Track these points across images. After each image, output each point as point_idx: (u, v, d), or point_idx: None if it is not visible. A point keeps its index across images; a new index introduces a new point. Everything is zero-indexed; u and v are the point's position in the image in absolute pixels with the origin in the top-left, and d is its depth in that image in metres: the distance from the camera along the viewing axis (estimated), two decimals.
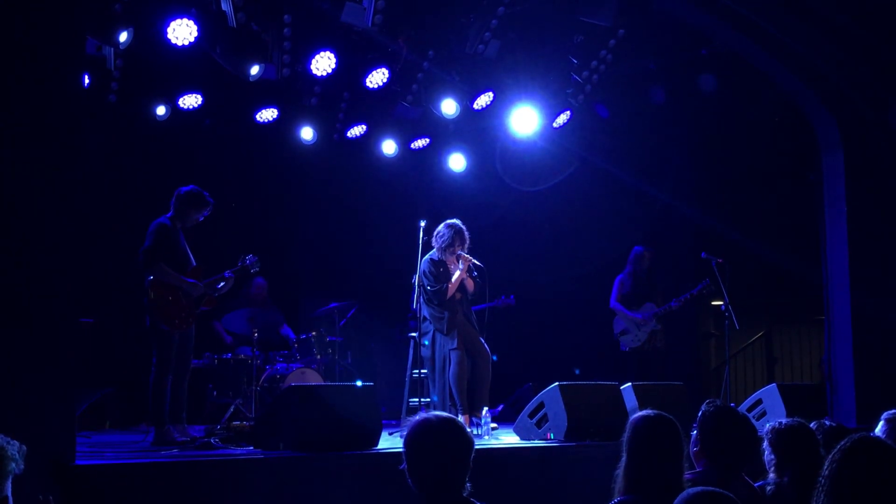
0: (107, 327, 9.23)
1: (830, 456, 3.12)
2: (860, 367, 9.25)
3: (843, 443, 3.14)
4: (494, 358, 8.76)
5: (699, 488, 3.03)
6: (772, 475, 4.47)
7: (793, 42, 9.19)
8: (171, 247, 7.49)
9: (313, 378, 9.70)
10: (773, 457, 4.49)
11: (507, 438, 7.96)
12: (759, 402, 8.87)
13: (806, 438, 4.47)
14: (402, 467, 3.45)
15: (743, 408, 9.00)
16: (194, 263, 7.72)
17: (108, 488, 5.48)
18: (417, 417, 3.51)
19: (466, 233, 8.67)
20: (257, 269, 8.27)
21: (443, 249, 8.61)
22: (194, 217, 7.79)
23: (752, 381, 13.30)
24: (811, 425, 4.82)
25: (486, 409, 8.09)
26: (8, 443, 3.37)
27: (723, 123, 11.78)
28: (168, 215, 7.65)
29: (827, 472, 3.08)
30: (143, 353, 10.09)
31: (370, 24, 8.41)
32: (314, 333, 10.44)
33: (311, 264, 11.80)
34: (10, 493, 3.36)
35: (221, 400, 9.91)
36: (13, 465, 3.34)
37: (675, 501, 2.96)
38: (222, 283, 7.88)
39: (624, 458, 3.92)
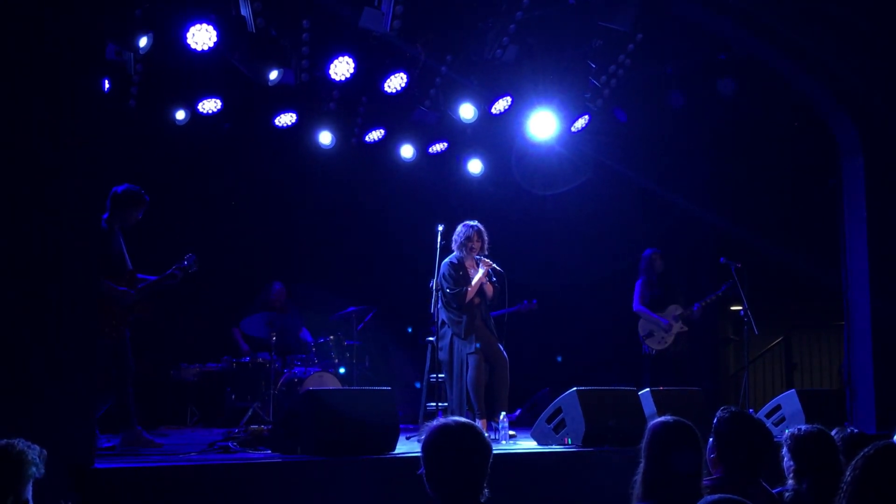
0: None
1: (853, 463, 3.12)
2: (880, 373, 9.19)
3: (866, 450, 3.13)
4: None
5: (717, 495, 3.02)
6: (791, 481, 4.46)
7: (812, 46, 9.15)
8: (104, 251, 7.13)
9: (331, 382, 9.72)
10: (792, 463, 4.48)
11: (525, 443, 7.95)
12: (778, 407, 8.84)
13: (825, 445, 4.46)
14: (420, 472, 3.45)
15: (762, 413, 8.97)
16: (130, 267, 7.48)
17: (127, 491, 5.51)
18: (436, 422, 3.51)
19: (485, 233, 8.67)
20: (195, 268, 7.76)
21: (461, 245, 8.59)
22: (134, 216, 7.53)
23: (771, 386, 13.22)
24: (832, 432, 4.81)
25: (503, 413, 8.08)
26: (28, 447, 3.40)
27: (742, 127, 11.72)
28: (103, 216, 7.26)
29: (849, 479, 3.08)
30: (162, 357, 10.22)
31: (388, 30, 8.41)
32: (332, 337, 10.49)
33: (329, 268, 11.83)
34: (30, 497, 3.39)
35: (240, 403, 9.96)
36: (33, 469, 3.37)
37: None
38: (172, 281, 7.62)
39: (642, 465, 3.92)
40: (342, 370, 10.13)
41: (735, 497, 2.95)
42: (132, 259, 7.63)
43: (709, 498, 2.98)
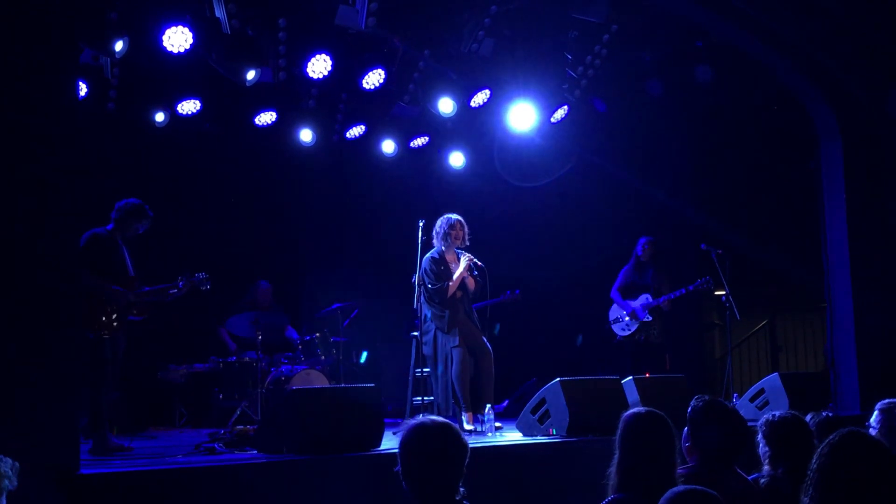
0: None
1: (819, 450, 3.18)
2: (862, 355, 9.27)
3: (830, 437, 3.20)
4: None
5: (683, 487, 3.07)
6: (766, 467, 4.53)
7: (788, 31, 9.19)
8: (104, 256, 7.49)
9: (318, 379, 9.74)
10: (767, 449, 4.54)
11: (511, 435, 8.00)
12: (761, 391, 8.91)
13: (800, 430, 4.52)
14: (396, 469, 3.50)
15: (745, 398, 9.05)
16: (132, 274, 7.72)
17: (113, 496, 5.53)
18: (413, 421, 3.56)
19: (465, 225, 8.71)
20: (207, 286, 8.27)
21: (444, 236, 8.63)
22: (135, 228, 7.80)
23: (756, 370, 13.32)
24: (807, 417, 4.87)
25: (489, 406, 8.12)
26: (1, 460, 3.44)
27: (720, 114, 11.78)
28: (107, 227, 7.66)
29: (815, 466, 3.15)
30: (150, 358, 10.23)
31: (363, 27, 8.44)
32: (318, 334, 10.49)
33: (313, 265, 11.86)
34: None
35: (227, 403, 9.99)
36: (6, 481, 3.42)
37: (661, 500, 3.00)
38: (174, 291, 7.95)
39: (616, 455, 3.98)
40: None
41: (701, 488, 3.00)
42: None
43: (676, 489, 3.03)
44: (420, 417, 3.58)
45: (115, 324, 7.48)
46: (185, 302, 10.36)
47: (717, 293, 10.50)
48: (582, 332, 12.35)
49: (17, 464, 3.49)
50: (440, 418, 3.60)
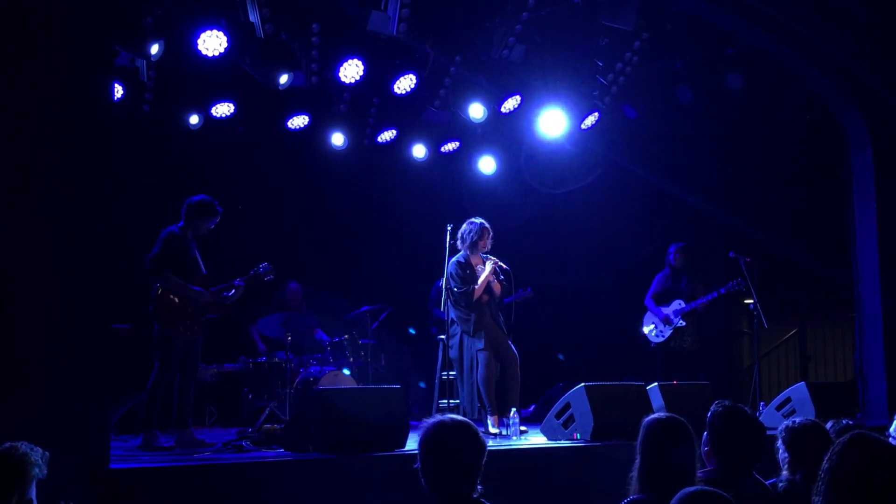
0: (144, 333, 9.42)
1: (830, 450, 3.22)
2: (891, 364, 9.22)
3: (841, 438, 3.24)
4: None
5: (695, 487, 3.12)
6: (785, 473, 4.57)
7: (818, 39, 9.19)
8: (179, 255, 7.52)
9: (345, 381, 9.81)
10: (786, 455, 4.58)
11: (535, 439, 8.04)
12: (787, 400, 8.90)
13: (819, 437, 4.55)
14: (415, 466, 3.56)
15: (772, 406, 9.03)
16: (204, 272, 7.77)
17: (142, 491, 5.64)
18: (432, 419, 3.61)
19: (489, 229, 8.77)
20: (271, 276, 8.25)
21: (471, 244, 8.68)
22: (205, 226, 7.82)
23: (785, 378, 13.25)
24: (827, 424, 4.89)
25: (514, 410, 8.17)
26: (31, 449, 3.56)
27: (751, 121, 11.75)
28: (178, 224, 7.69)
29: (826, 467, 3.19)
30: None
31: (395, 33, 8.52)
32: (347, 336, 10.56)
33: (343, 267, 11.94)
34: (34, 497, 3.54)
35: (257, 403, 10.08)
36: (36, 470, 3.53)
37: (673, 499, 3.04)
38: (232, 291, 7.90)
39: (638, 460, 4.02)
40: (346, 371, 10.12)
41: (711, 489, 3.04)
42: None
43: (688, 489, 3.07)
44: (438, 415, 3.63)
45: (195, 326, 7.60)
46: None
47: (746, 301, 10.48)
48: (610, 337, 12.32)
49: (46, 453, 3.60)
50: (459, 417, 3.66)
